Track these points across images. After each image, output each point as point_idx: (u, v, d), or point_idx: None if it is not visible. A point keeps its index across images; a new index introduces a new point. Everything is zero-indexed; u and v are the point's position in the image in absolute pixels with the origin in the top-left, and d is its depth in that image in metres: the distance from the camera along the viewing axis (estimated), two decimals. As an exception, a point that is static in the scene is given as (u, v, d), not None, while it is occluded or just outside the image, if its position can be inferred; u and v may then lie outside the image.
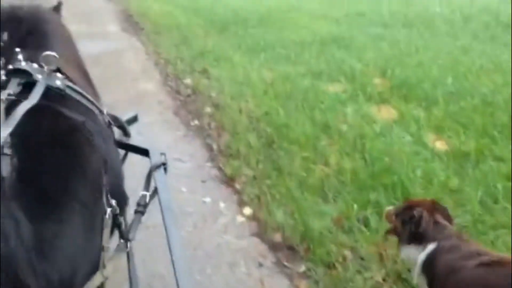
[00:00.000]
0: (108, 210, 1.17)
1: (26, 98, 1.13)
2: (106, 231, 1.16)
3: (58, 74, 1.34)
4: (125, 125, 1.70)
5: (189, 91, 5.19)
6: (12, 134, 0.97)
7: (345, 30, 7.48)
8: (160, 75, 5.80)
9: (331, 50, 6.36)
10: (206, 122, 4.29)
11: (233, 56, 6.30)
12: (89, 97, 1.40)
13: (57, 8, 1.91)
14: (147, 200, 1.48)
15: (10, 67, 1.30)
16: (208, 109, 4.56)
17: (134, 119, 1.84)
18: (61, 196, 1.00)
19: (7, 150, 0.95)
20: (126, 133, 1.69)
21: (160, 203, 1.38)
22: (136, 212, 1.45)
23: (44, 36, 1.58)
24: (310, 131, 3.85)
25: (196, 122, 4.33)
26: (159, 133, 4.11)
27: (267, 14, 8.91)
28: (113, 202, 1.21)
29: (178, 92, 5.17)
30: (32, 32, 1.57)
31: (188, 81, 5.47)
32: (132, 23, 8.90)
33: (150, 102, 4.89)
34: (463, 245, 1.79)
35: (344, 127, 3.90)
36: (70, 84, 1.34)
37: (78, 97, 1.34)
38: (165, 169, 1.54)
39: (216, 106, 4.62)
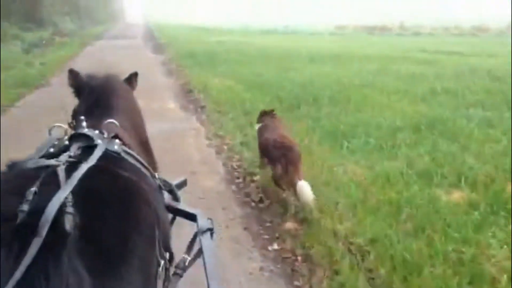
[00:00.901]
0: (162, 262, 1.23)
1: (86, 160, 1.20)
2: (160, 283, 1.21)
3: (116, 140, 1.43)
4: (175, 189, 1.68)
5: (261, 193, 4.15)
6: (73, 193, 1.03)
7: (438, 112, 6.34)
8: (224, 169, 4.83)
9: (430, 138, 5.20)
10: (290, 246, 3.18)
11: (309, 144, 5.27)
12: (143, 161, 1.46)
13: (130, 78, 2.04)
14: (187, 263, 1.49)
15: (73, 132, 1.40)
16: (290, 225, 3.46)
17: (183, 184, 1.81)
18: (121, 253, 1.02)
19: (70, 209, 0.98)
20: (175, 198, 1.66)
21: (205, 268, 1.31)
22: (174, 274, 1.42)
23: (108, 107, 1.73)
24: (448, 277, 2.62)
25: (276, 246, 3.23)
26: (226, 261, 3.02)
27: (339, 90, 7.99)
28: (167, 254, 1.28)
29: (247, 194, 4.14)
30: (99, 102, 1.74)
31: (259, 178, 4.45)
32: (191, 99, 8.24)
33: (211, 207, 3.88)
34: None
35: (498, 273, 2.64)
36: (125, 148, 1.42)
37: (132, 161, 1.39)
38: (211, 235, 1.50)
39: (299, 219, 3.52)
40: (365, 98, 7.36)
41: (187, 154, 5.34)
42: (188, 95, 8.63)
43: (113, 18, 43.62)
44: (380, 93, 7.71)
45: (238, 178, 4.54)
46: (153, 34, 26.05)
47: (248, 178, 4.48)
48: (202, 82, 9.42)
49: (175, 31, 27.50)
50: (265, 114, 4.56)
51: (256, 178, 4.44)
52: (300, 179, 3.49)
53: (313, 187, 3.51)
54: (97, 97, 1.77)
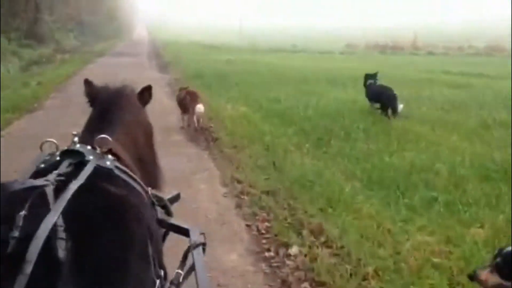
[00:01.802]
0: (157, 281, 1.22)
1: (75, 178, 1.17)
2: None
3: (109, 156, 1.39)
4: (168, 204, 1.66)
5: (299, 272, 3.04)
6: (64, 215, 1.01)
7: (503, 154, 5.21)
8: (247, 233, 3.71)
9: (508, 193, 4.08)
10: None
11: (354, 196, 4.17)
12: (135, 177, 1.43)
13: (142, 92, 1.95)
14: (181, 279, 1.48)
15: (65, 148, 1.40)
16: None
17: (176, 198, 1.79)
18: (116, 276, 1.01)
19: (61, 234, 0.97)
20: (168, 212, 1.64)
21: (197, 284, 1.34)
22: None
23: (109, 122, 1.67)
24: None
25: None
26: None
27: (374, 121, 6.90)
28: (161, 272, 1.29)
29: (284, 280, 3.01)
30: (102, 116, 1.71)
31: (295, 250, 3.33)
32: (202, 129, 7.16)
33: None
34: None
35: None
36: (118, 164, 1.39)
37: (125, 177, 1.37)
38: (203, 249, 1.52)
39: None
40: (406, 131, 6.27)
41: (198, 208, 4.23)
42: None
43: (119, 35, 42.99)
44: (421, 125, 6.62)
45: (268, 250, 3.41)
46: (159, 52, 25.17)
47: (281, 251, 3.36)
48: (213, 109, 8.36)
49: (181, 49, 26.62)
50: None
51: (292, 250, 3.32)
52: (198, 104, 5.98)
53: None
54: (101, 111, 1.74)
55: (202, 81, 11.97)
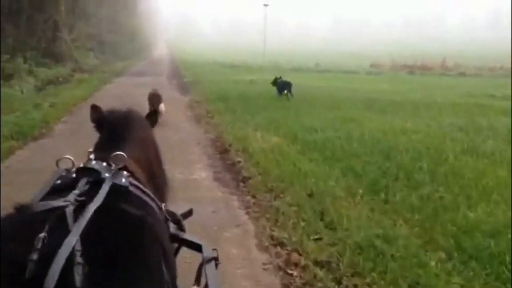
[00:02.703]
0: None
1: (93, 197, 1.19)
2: None
3: (124, 172, 1.41)
4: (181, 219, 1.69)
5: None
6: (82, 239, 1.02)
7: None
8: None
9: None
10: None
11: (446, 280, 3.00)
12: (149, 193, 1.45)
13: (150, 115, 2.04)
14: None
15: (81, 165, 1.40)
16: None
17: (189, 213, 1.80)
18: None
19: (79, 259, 0.97)
20: (181, 228, 1.66)
21: None
22: None
23: (121, 140, 1.68)
24: None
25: None
26: None
27: (436, 158, 5.73)
28: None
29: None
30: (113, 136, 1.71)
31: None
32: (229, 165, 6.10)
33: None
34: None
35: None
36: (132, 181, 1.41)
37: (139, 193, 1.39)
38: (216, 265, 1.53)
39: None
40: (483, 174, 5.06)
41: (230, 272, 3.13)
42: (223, 157, 6.49)
43: (139, 54, 42.74)
44: (500, 167, 5.40)
45: None
46: (179, 71, 24.43)
47: None
48: (240, 137, 7.30)
49: (202, 68, 25.87)
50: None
51: None
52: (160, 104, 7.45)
53: None
54: (112, 131, 1.75)
55: (226, 104, 10.97)
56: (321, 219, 4.19)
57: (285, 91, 12.30)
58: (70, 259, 0.95)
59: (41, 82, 15.78)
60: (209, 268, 1.50)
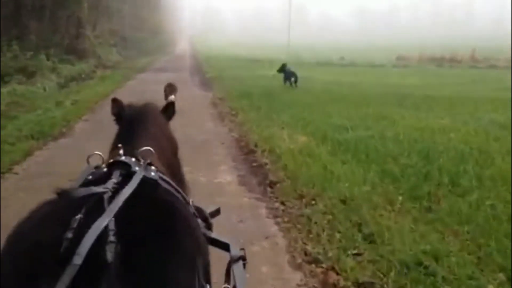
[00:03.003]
0: None
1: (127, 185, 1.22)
2: None
3: (152, 167, 1.41)
4: (209, 217, 1.66)
5: None
6: (116, 220, 1.04)
7: None
8: None
9: None
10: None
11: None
12: (178, 188, 1.47)
13: (167, 108, 2.03)
14: None
15: (111, 160, 1.43)
16: None
17: (217, 212, 1.79)
18: (159, 279, 1.02)
19: (112, 238, 0.98)
20: (209, 226, 1.61)
21: None
22: None
23: (141, 134, 1.70)
24: None
25: None
26: None
27: (483, 161, 5.22)
28: (207, 286, 1.24)
29: None
30: (132, 130, 1.72)
31: None
32: (254, 167, 5.73)
33: None
34: None
35: None
36: (162, 175, 1.42)
37: (169, 187, 1.41)
38: (244, 265, 1.51)
39: None
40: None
41: None
42: (249, 159, 6.12)
43: (162, 49, 42.74)
44: None
45: None
46: (201, 67, 24.18)
47: None
48: (266, 137, 6.92)
49: (224, 63, 25.57)
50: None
51: None
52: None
53: None
54: (130, 124, 1.77)
55: (250, 101, 10.60)
56: (359, 230, 3.79)
57: (292, 80, 13.21)
58: (103, 238, 0.98)
59: (64, 79, 15.72)
60: (237, 267, 1.50)
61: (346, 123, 7.47)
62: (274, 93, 11.55)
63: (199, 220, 1.52)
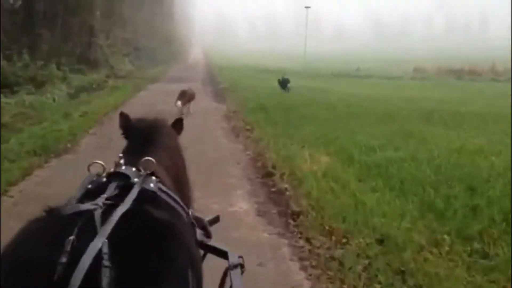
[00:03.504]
0: None
1: (122, 201, 1.22)
2: None
3: (153, 177, 1.43)
4: (208, 226, 1.69)
5: None
6: (110, 241, 1.03)
7: None
8: None
9: None
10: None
11: None
12: (177, 198, 1.47)
13: (175, 124, 2.05)
14: None
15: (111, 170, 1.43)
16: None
17: (216, 220, 1.83)
18: None
19: (106, 262, 0.98)
20: (208, 234, 1.68)
21: None
22: None
23: (148, 146, 1.71)
24: None
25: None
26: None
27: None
28: None
29: None
30: (141, 142, 1.75)
31: None
32: (273, 193, 5.13)
33: None
34: None
35: None
36: (161, 186, 1.43)
37: (167, 199, 1.41)
38: (242, 272, 1.53)
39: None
40: None
41: None
42: (267, 183, 5.53)
43: (175, 58, 42.51)
44: None
45: None
46: (214, 77, 23.71)
47: None
48: (285, 157, 6.33)
49: (237, 73, 25.10)
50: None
51: None
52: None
53: None
54: (138, 138, 1.80)
55: (265, 115, 10.03)
56: (403, 280, 3.17)
57: (288, 86, 15.80)
58: (97, 262, 0.97)
59: (74, 89, 15.35)
60: (235, 275, 1.50)
61: (372, 142, 6.85)
62: (291, 107, 10.95)
63: (198, 230, 1.54)
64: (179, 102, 9.92)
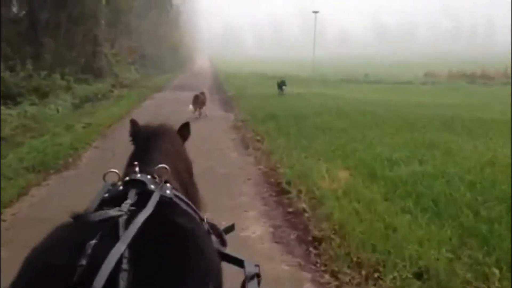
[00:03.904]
0: None
1: (143, 207, 1.22)
2: None
3: (168, 185, 1.44)
4: (223, 234, 1.66)
5: None
6: (130, 246, 1.03)
7: None
8: None
9: None
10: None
11: None
12: (192, 205, 1.47)
13: (182, 129, 2.06)
14: None
15: (127, 178, 1.44)
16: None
17: (231, 228, 1.80)
18: None
19: (125, 266, 0.98)
20: (223, 242, 1.63)
21: None
22: None
23: (156, 152, 1.74)
24: None
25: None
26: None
27: None
28: None
29: None
30: (148, 148, 1.77)
31: None
32: (291, 214, 4.64)
33: None
34: None
35: None
36: (177, 193, 1.44)
37: (184, 206, 1.41)
38: (258, 282, 1.48)
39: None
40: None
41: None
42: (281, 201, 5.05)
43: (181, 67, 42.27)
44: None
45: None
46: (220, 84, 23.31)
47: None
48: (300, 172, 5.84)
49: (244, 81, 24.70)
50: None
51: None
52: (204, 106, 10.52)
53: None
54: (145, 144, 1.80)
55: (276, 125, 9.56)
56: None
57: (283, 88, 17.36)
58: (117, 265, 0.97)
59: (79, 99, 14.98)
60: (252, 285, 1.46)
61: (393, 154, 6.34)
62: (303, 116, 10.47)
63: (213, 237, 1.52)
64: (191, 106, 11.08)
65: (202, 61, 66.24)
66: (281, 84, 17.45)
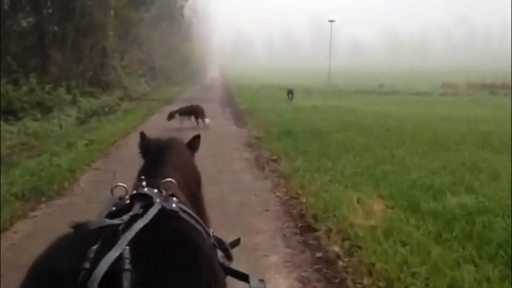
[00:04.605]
0: None
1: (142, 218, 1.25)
2: None
3: (174, 198, 1.45)
4: (229, 248, 1.67)
5: None
6: (131, 248, 1.06)
7: None
8: None
9: None
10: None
11: None
12: (199, 219, 1.47)
13: (192, 141, 2.08)
14: None
15: (134, 192, 1.47)
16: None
17: (237, 243, 1.80)
18: None
19: (127, 265, 1.00)
20: (229, 256, 1.63)
21: None
22: None
23: (165, 166, 1.75)
24: None
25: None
26: None
27: None
28: None
29: None
30: (157, 162, 1.78)
31: None
32: (321, 261, 3.79)
33: None
34: None
35: None
36: (183, 207, 1.44)
37: (189, 219, 1.41)
38: None
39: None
40: None
41: None
42: (308, 242, 4.19)
43: (191, 78, 41.78)
44: None
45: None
46: (232, 97, 22.59)
47: None
48: (327, 202, 4.98)
49: (257, 93, 23.96)
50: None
51: None
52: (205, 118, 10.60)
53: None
54: (155, 157, 1.81)
55: (293, 142, 8.73)
56: None
57: (290, 96, 20.08)
58: (119, 266, 1.00)
59: (84, 113, 14.35)
60: None
61: (434, 180, 5.46)
62: (323, 132, 9.61)
63: (219, 251, 1.52)
64: (177, 116, 12.17)
65: (214, 73, 65.87)
66: (289, 93, 20.47)
